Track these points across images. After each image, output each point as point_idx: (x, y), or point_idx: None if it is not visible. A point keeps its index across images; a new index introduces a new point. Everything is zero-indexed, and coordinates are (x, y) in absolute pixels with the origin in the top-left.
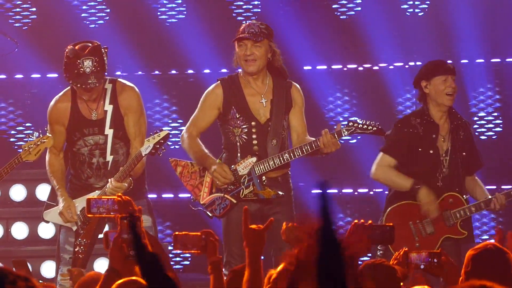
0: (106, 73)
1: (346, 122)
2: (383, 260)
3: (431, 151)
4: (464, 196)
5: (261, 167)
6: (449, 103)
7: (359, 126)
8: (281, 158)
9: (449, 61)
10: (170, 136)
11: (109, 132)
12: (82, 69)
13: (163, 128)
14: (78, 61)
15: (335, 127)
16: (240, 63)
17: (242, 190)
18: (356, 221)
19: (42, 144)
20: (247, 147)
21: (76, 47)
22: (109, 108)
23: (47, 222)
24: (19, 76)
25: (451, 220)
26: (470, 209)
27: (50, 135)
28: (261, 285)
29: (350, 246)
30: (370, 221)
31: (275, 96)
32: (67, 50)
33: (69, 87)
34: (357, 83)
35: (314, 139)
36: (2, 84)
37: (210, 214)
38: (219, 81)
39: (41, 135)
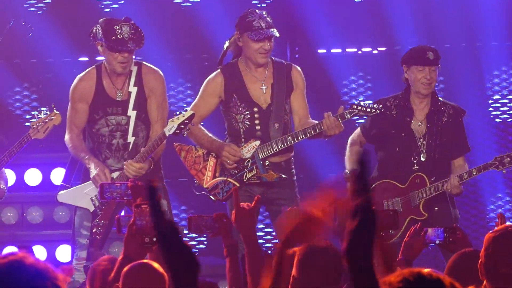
0: (143, 41)
1: (349, 105)
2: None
3: (403, 134)
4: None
5: (264, 150)
6: (424, 92)
7: (362, 108)
8: (284, 141)
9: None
10: None
11: (132, 113)
12: (120, 35)
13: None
14: (116, 27)
15: (329, 112)
16: (252, 54)
17: (245, 174)
18: None
19: (50, 122)
20: (250, 132)
21: (106, 21)
22: (133, 89)
23: (61, 203)
24: (33, 60)
25: (416, 200)
26: (430, 189)
27: (57, 112)
28: (261, 265)
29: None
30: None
31: (276, 81)
32: (100, 22)
33: (93, 66)
34: (372, 66)
35: (316, 122)
36: (18, 68)
37: (214, 198)
38: (219, 69)
39: (48, 112)
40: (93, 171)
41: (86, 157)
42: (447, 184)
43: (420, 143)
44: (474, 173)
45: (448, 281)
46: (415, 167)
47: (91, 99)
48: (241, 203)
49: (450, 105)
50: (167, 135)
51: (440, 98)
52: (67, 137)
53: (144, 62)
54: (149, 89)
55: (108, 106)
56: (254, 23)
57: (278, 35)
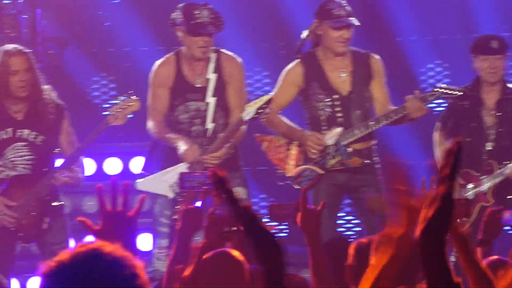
0: (223, 25)
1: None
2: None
3: (473, 124)
4: None
5: (347, 136)
6: (491, 80)
7: (444, 90)
8: (367, 127)
9: None
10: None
11: (211, 100)
12: (200, 19)
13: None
14: (196, 11)
15: (416, 92)
16: (331, 43)
17: (328, 160)
18: None
19: (129, 108)
20: (331, 120)
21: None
22: (212, 76)
23: (139, 191)
24: (111, 49)
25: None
26: (496, 176)
27: (136, 98)
28: (325, 266)
29: None
30: None
31: (355, 68)
32: (180, 7)
33: (172, 52)
34: (450, 53)
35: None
36: (96, 58)
37: (298, 186)
38: (298, 59)
39: (126, 98)
40: (182, 147)
41: (173, 136)
42: (509, 169)
43: (489, 132)
44: None
45: None
46: (485, 156)
47: (171, 84)
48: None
49: None
50: (244, 120)
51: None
52: (150, 124)
53: (222, 50)
54: (228, 75)
55: (188, 92)
56: (333, 11)
57: (358, 23)
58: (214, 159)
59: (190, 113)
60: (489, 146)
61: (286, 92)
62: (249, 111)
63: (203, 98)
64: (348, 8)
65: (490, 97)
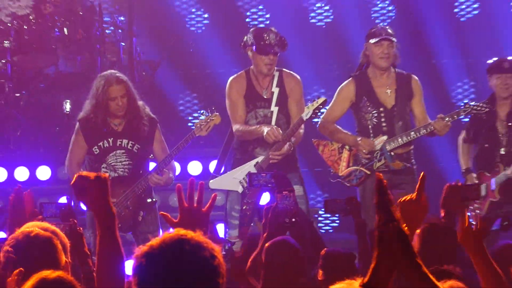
0: (286, 46)
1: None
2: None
3: (490, 132)
4: None
5: (391, 143)
6: (503, 95)
7: (474, 107)
8: (408, 136)
9: None
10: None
11: (274, 109)
12: (268, 41)
13: None
14: (265, 34)
15: (440, 114)
16: (374, 59)
17: (375, 163)
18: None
19: (211, 121)
20: (377, 129)
21: (257, 30)
22: (276, 90)
23: (212, 189)
24: (194, 71)
25: (494, 185)
26: (501, 176)
27: (217, 113)
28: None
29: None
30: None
31: (398, 86)
32: (251, 31)
33: (242, 71)
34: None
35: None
36: (183, 78)
37: (348, 184)
38: (351, 77)
39: (209, 114)
40: (265, 130)
41: (256, 126)
42: (510, 170)
43: (502, 139)
44: None
45: None
46: (498, 159)
47: (244, 93)
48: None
49: None
50: (304, 120)
51: None
52: (235, 127)
53: (284, 69)
54: (289, 89)
55: (257, 101)
56: (375, 31)
57: (395, 40)
58: (276, 156)
59: (258, 119)
60: (502, 151)
61: (340, 106)
62: (308, 112)
63: (269, 107)
64: (390, 30)
65: (503, 109)
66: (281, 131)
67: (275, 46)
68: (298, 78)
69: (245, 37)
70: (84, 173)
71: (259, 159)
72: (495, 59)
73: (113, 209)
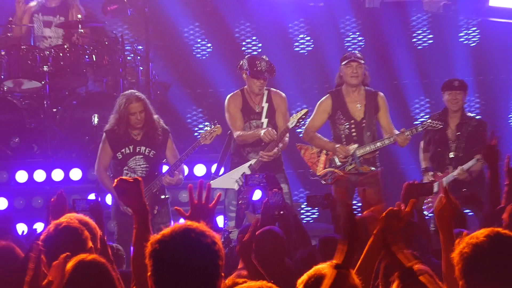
0: (274, 72)
1: (420, 122)
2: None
3: (441, 138)
4: None
5: (361, 151)
6: (453, 108)
7: (430, 124)
8: (375, 145)
9: None
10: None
11: (264, 120)
12: (260, 67)
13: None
14: (258, 62)
15: (403, 128)
16: (346, 78)
17: (347, 166)
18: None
19: (214, 132)
20: (349, 138)
21: (250, 58)
22: (265, 105)
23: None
24: (200, 90)
25: (444, 183)
26: (450, 176)
27: (219, 125)
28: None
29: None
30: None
31: (367, 102)
32: (246, 57)
33: (238, 90)
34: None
35: (397, 132)
36: (190, 96)
37: (324, 182)
38: (328, 94)
39: (213, 126)
40: (262, 132)
41: (254, 130)
42: (456, 172)
43: (451, 145)
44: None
45: None
46: (448, 162)
47: (240, 108)
48: None
49: (475, 119)
50: (290, 128)
51: (469, 114)
52: (236, 134)
53: (271, 88)
54: (276, 105)
55: (251, 114)
56: (345, 55)
57: (362, 61)
58: (267, 156)
59: (252, 128)
60: (451, 155)
61: (319, 117)
62: (293, 121)
63: (260, 118)
64: (359, 54)
65: (453, 121)
66: (275, 131)
67: (265, 72)
68: (283, 95)
69: (241, 61)
70: (124, 177)
71: (252, 161)
72: (448, 79)
73: (147, 206)
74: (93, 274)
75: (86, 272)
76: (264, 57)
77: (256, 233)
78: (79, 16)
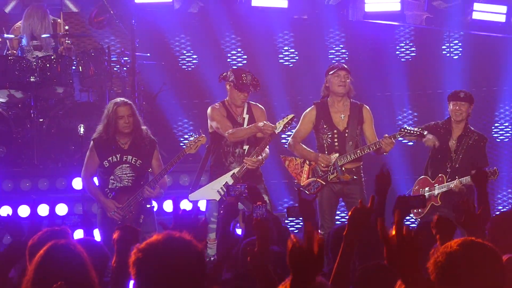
0: (258, 86)
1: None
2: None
3: (443, 146)
4: None
5: (342, 159)
6: (456, 119)
7: (408, 131)
8: (355, 154)
9: None
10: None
11: None
12: (245, 81)
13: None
14: (243, 75)
15: (386, 134)
16: (333, 87)
17: (329, 175)
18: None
19: (199, 141)
20: (331, 147)
21: (235, 71)
22: (246, 116)
23: (191, 200)
24: (185, 101)
25: (435, 192)
26: (443, 186)
27: (203, 135)
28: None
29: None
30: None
31: (351, 113)
32: (232, 69)
33: (219, 102)
34: (420, 105)
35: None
36: (176, 107)
37: (308, 192)
38: (314, 105)
39: (197, 135)
40: (261, 123)
41: (249, 126)
42: (453, 184)
43: (451, 155)
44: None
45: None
46: (448, 170)
47: (226, 115)
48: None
49: (477, 133)
50: (276, 133)
51: (471, 127)
52: (228, 132)
53: (251, 101)
54: (257, 117)
55: (234, 125)
56: (332, 65)
57: (347, 67)
58: (252, 162)
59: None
60: (449, 165)
61: (304, 127)
62: (279, 126)
63: None
64: (345, 66)
65: (456, 131)
66: (271, 124)
67: (250, 86)
68: (262, 107)
69: (226, 72)
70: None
71: (235, 170)
72: (455, 90)
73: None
74: (64, 257)
75: (58, 255)
76: (248, 71)
77: (243, 243)
78: (66, 27)
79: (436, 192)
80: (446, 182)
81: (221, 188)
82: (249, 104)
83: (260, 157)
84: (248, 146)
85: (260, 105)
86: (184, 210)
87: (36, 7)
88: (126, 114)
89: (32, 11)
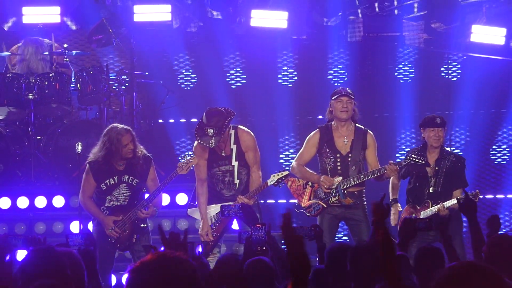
0: (223, 132)
1: (404, 157)
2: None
3: (420, 174)
4: None
5: (345, 183)
6: (435, 145)
7: (414, 159)
8: (358, 178)
9: None
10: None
11: (235, 163)
12: (207, 133)
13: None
14: (205, 127)
15: (391, 161)
16: (336, 112)
17: (330, 198)
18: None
19: (190, 162)
20: (334, 171)
21: (204, 119)
22: (233, 147)
23: (189, 215)
24: (183, 120)
25: (424, 216)
26: (430, 211)
27: (194, 156)
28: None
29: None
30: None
31: (355, 138)
32: (203, 117)
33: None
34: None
35: (380, 167)
36: (181, 127)
37: (308, 214)
38: (318, 128)
39: (188, 157)
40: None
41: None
42: (436, 208)
43: (430, 181)
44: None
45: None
46: (426, 196)
47: (207, 156)
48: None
49: (454, 154)
50: (268, 185)
51: (447, 149)
52: (198, 184)
53: (239, 126)
54: (245, 147)
55: (218, 160)
56: (335, 90)
57: (352, 97)
58: (244, 199)
59: (222, 171)
60: (430, 190)
61: (308, 151)
62: (273, 179)
63: (229, 162)
64: (349, 90)
65: (432, 156)
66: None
67: (212, 138)
68: (251, 134)
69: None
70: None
71: (218, 210)
72: (428, 115)
73: None
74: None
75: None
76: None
77: (246, 263)
78: (65, 45)
79: (422, 216)
80: (431, 207)
81: (213, 216)
82: (236, 131)
83: (251, 201)
84: (239, 181)
85: (248, 131)
86: (172, 232)
87: (29, 45)
88: (129, 142)
89: (25, 50)
